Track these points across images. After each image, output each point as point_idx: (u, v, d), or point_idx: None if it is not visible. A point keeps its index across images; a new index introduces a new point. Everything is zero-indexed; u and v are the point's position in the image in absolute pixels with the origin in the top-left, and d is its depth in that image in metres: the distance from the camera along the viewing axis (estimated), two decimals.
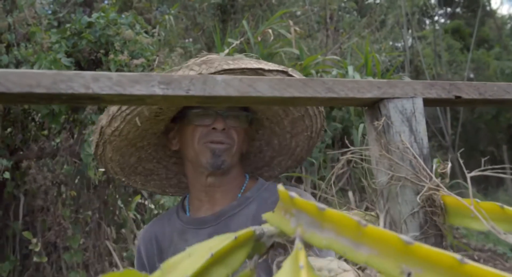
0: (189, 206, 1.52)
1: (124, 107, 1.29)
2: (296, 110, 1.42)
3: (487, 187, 12.66)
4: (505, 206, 0.63)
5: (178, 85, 0.69)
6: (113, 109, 1.32)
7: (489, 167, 0.63)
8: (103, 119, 1.35)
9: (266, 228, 0.79)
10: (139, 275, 0.64)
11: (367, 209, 0.85)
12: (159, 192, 1.70)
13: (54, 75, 0.64)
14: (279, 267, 0.70)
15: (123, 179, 1.59)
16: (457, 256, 0.46)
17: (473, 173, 0.64)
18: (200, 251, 0.71)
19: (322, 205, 0.59)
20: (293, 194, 0.64)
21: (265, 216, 0.71)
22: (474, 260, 6.37)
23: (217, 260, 0.70)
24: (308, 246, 0.76)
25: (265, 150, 1.60)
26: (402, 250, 0.50)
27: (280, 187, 0.66)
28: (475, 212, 0.62)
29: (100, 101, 0.68)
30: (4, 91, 0.62)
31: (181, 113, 1.42)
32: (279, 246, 0.77)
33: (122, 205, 3.90)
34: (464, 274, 0.45)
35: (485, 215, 0.61)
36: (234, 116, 1.42)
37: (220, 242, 0.71)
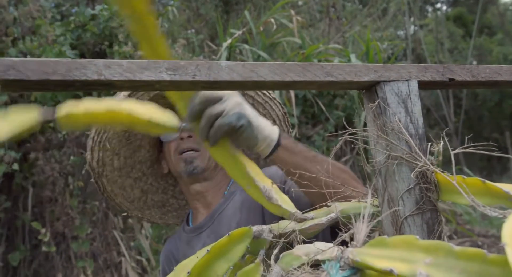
0: (191, 218, 1.60)
1: (96, 137, 1.37)
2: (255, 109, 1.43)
3: (491, 174, 12.66)
4: (487, 181, 0.67)
5: (185, 71, 0.73)
6: (89, 142, 1.40)
7: (472, 144, 0.67)
8: (88, 155, 1.43)
9: (266, 226, 0.86)
10: None
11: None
12: (179, 222, 1.73)
13: (69, 63, 0.68)
14: (275, 260, 0.77)
15: (140, 215, 1.65)
16: None
17: (457, 151, 0.68)
18: (203, 251, 0.79)
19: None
20: None
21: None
22: (477, 246, 6.40)
23: (216, 255, 0.81)
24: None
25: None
26: None
27: None
28: (457, 186, 0.66)
29: (112, 87, 0.72)
30: (24, 78, 0.66)
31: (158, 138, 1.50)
32: (279, 238, 0.84)
33: None
34: None
35: (466, 189, 0.65)
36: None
37: (217, 242, 0.80)
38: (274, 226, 0.88)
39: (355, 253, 0.61)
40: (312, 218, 0.87)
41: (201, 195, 1.52)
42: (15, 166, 3.23)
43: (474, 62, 14.24)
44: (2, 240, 3.65)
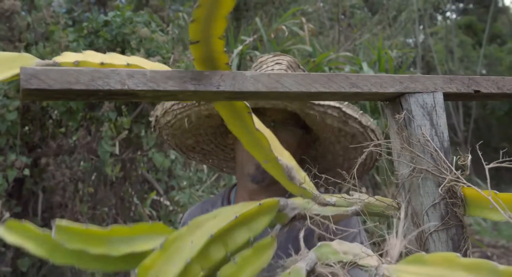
0: (234, 200, 1.54)
1: (175, 106, 1.33)
2: (348, 141, 1.38)
3: (499, 184, 12.58)
4: None
5: (209, 81, 0.72)
6: (166, 104, 1.35)
7: (507, 159, 0.65)
8: (158, 110, 1.39)
9: (291, 200, 0.83)
10: (167, 228, 0.69)
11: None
12: (217, 169, 1.73)
13: (92, 72, 0.67)
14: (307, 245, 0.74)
15: (180, 153, 1.63)
16: None
17: (492, 165, 0.66)
18: (226, 214, 0.75)
19: None
20: None
21: None
22: (487, 256, 6.33)
23: (241, 222, 0.75)
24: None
25: (319, 162, 1.56)
26: None
27: None
28: (493, 202, 0.64)
29: (135, 97, 0.71)
30: (46, 88, 0.65)
31: None
32: (301, 218, 0.81)
33: (138, 202, 3.94)
34: None
35: (503, 205, 0.64)
36: (287, 130, 1.39)
37: (245, 207, 0.76)
38: (295, 202, 0.85)
39: (390, 270, 0.58)
40: (334, 204, 0.84)
41: (254, 194, 1.44)
42: (26, 172, 3.24)
43: (484, 71, 14.18)
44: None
